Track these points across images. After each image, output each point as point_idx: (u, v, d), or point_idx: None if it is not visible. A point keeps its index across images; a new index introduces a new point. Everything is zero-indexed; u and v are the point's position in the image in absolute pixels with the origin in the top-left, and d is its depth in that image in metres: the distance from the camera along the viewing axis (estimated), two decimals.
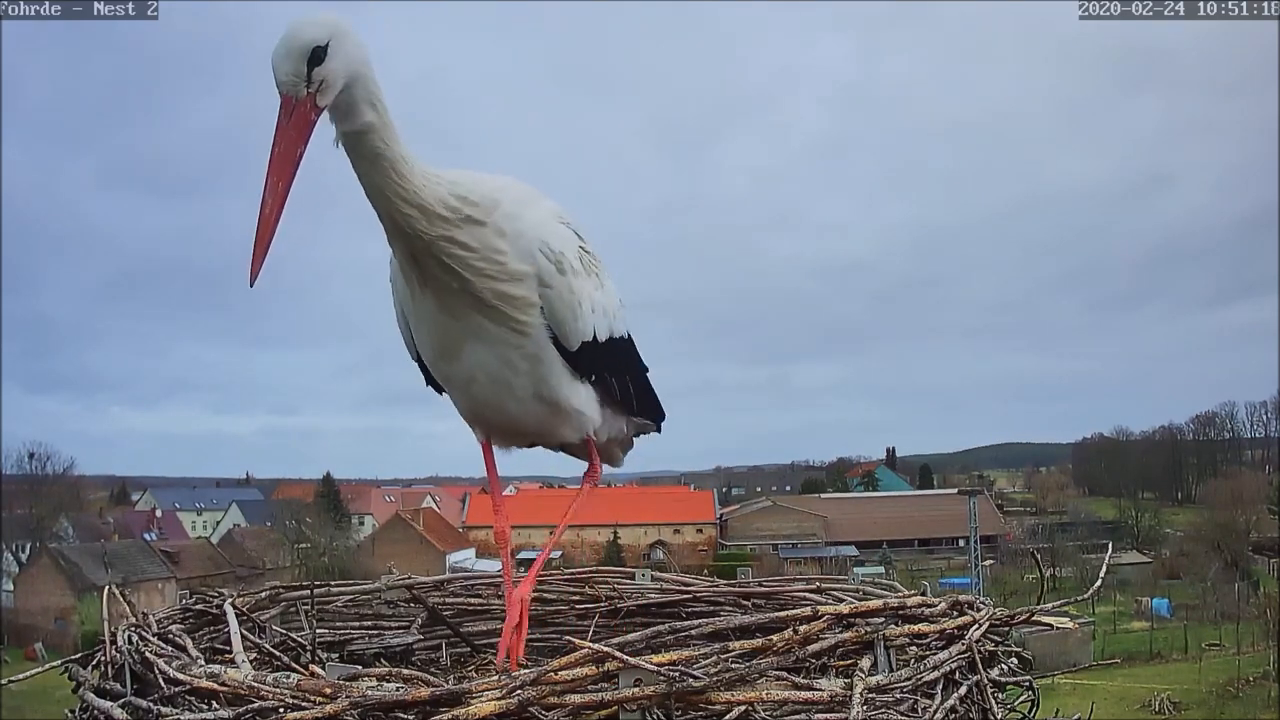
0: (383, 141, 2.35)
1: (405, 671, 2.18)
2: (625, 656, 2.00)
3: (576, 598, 3.39)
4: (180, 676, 2.16)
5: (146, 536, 55.35)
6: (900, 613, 2.46)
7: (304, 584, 3.25)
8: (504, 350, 2.62)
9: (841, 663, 2.27)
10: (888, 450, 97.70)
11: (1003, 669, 2.56)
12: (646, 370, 3.08)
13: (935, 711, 2.20)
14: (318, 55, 2.23)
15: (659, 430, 3.26)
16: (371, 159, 2.35)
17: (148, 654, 2.30)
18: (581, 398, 2.79)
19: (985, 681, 2.40)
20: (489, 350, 2.62)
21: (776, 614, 2.49)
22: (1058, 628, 3.08)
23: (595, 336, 2.74)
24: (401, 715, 1.95)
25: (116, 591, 2.79)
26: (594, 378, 2.81)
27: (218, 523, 67.80)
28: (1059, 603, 3.13)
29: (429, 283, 2.54)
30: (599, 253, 2.86)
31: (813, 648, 2.23)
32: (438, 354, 2.71)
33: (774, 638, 2.20)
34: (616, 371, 2.90)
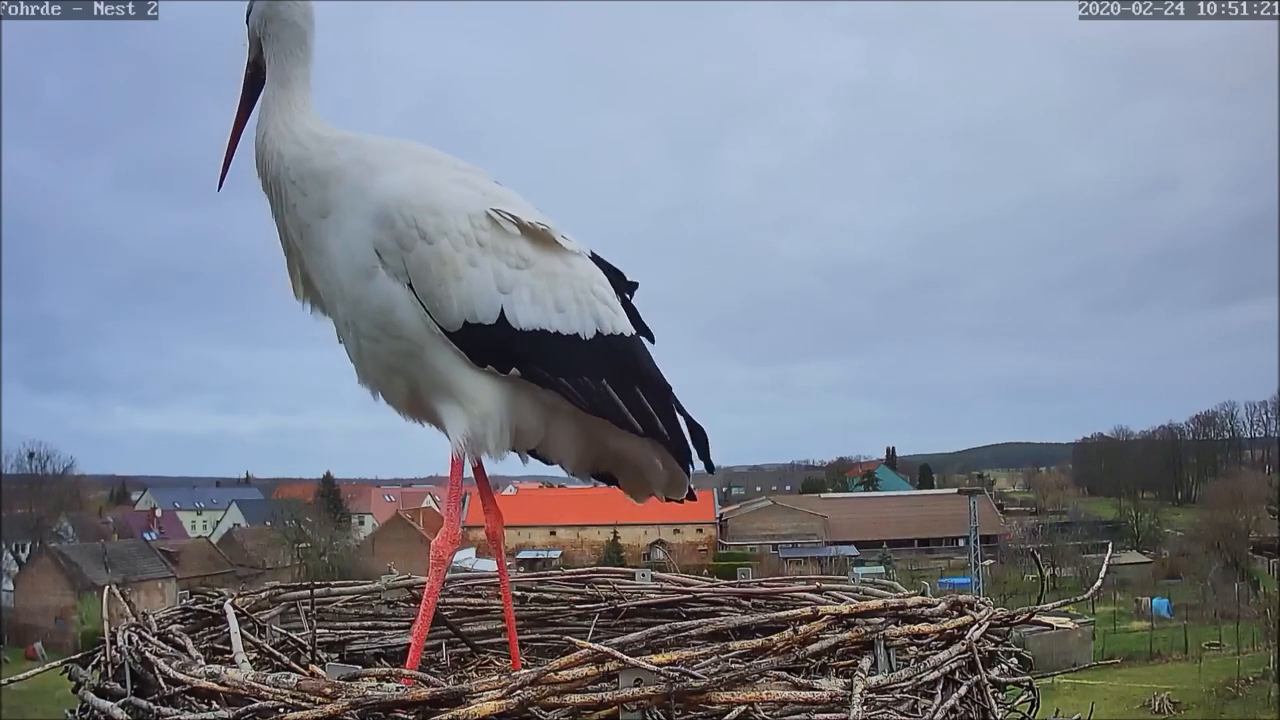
0: (266, 82, 2.59)
1: (405, 671, 2.18)
2: (625, 656, 1.99)
3: (576, 598, 3.39)
4: (180, 676, 2.16)
5: (146, 536, 55.37)
6: (900, 613, 2.46)
7: (304, 584, 3.25)
8: (380, 342, 2.49)
9: (841, 663, 2.27)
10: (888, 450, 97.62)
11: (1003, 669, 2.56)
12: (649, 385, 2.70)
13: (935, 711, 2.20)
14: (247, 17, 2.63)
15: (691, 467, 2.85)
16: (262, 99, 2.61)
17: (148, 654, 2.30)
18: (473, 388, 2.48)
19: (985, 681, 2.40)
20: (369, 341, 2.51)
21: (776, 614, 2.50)
22: (1058, 628, 3.08)
23: (506, 320, 2.46)
24: (401, 715, 1.95)
25: (116, 591, 2.79)
26: (516, 371, 2.50)
27: (218, 522, 67.80)
28: (1059, 603, 3.12)
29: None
30: (570, 235, 2.62)
31: (813, 648, 2.23)
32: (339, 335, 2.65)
33: (774, 638, 2.20)
34: (570, 372, 2.56)
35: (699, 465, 2.88)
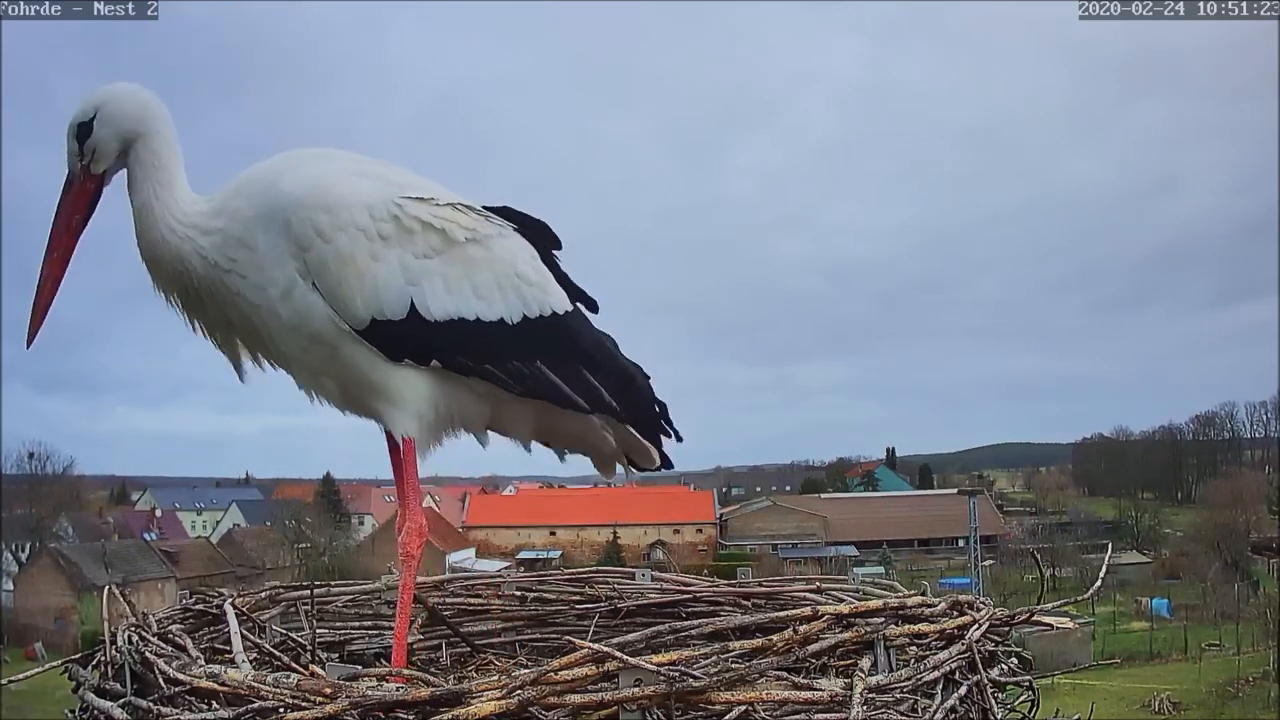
0: (135, 190, 2.40)
1: (405, 671, 2.18)
2: (625, 656, 1.99)
3: (576, 598, 3.39)
4: (180, 676, 2.15)
5: (146, 536, 55.35)
6: (900, 613, 2.46)
7: (304, 584, 3.25)
8: (308, 350, 2.44)
9: (841, 663, 2.27)
10: (888, 450, 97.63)
11: (1003, 669, 2.56)
12: (591, 360, 2.64)
13: (935, 711, 2.20)
14: (84, 130, 2.38)
15: (663, 435, 2.85)
16: (135, 209, 2.42)
17: (148, 654, 2.30)
18: (399, 383, 2.43)
19: (985, 681, 2.39)
20: (298, 350, 2.46)
21: (776, 614, 2.49)
22: (1058, 628, 3.07)
23: (417, 312, 2.39)
24: (401, 715, 1.95)
25: (116, 591, 2.79)
26: (436, 363, 2.45)
27: (218, 523, 67.78)
28: (1059, 603, 3.12)
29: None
30: (481, 220, 2.51)
31: (813, 648, 2.22)
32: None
33: (774, 638, 2.20)
34: (496, 359, 2.50)
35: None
